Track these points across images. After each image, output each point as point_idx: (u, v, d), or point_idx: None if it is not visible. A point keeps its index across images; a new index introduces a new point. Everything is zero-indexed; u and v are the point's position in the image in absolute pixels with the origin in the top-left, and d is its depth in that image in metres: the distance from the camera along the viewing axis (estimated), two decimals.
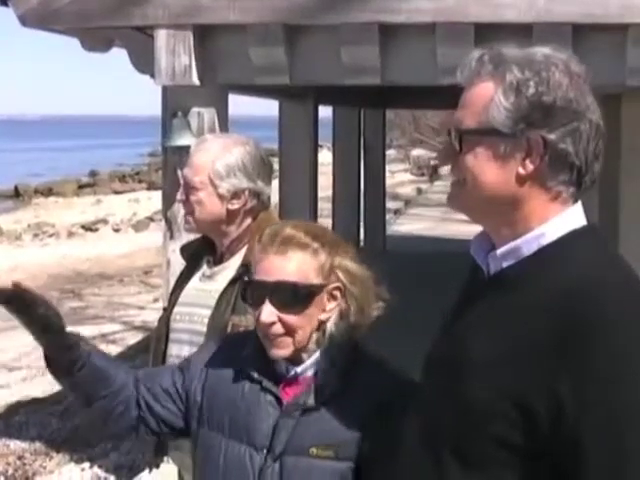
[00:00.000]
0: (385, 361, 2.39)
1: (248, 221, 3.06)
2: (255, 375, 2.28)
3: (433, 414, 1.79)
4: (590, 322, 1.60)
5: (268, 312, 2.20)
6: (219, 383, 2.34)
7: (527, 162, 1.72)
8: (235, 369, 2.33)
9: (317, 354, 2.27)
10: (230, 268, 3.03)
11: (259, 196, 3.07)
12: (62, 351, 2.30)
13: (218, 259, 3.11)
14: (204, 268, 3.15)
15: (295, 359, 2.27)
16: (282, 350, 2.23)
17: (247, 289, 2.29)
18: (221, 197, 3.02)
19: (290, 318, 2.21)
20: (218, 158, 3.01)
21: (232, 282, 2.96)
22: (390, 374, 2.35)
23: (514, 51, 1.77)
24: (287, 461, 2.21)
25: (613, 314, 1.62)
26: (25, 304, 2.22)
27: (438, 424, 1.77)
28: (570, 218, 1.76)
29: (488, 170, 1.76)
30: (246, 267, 2.82)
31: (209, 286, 3.06)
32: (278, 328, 2.21)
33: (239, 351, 2.36)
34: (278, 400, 2.25)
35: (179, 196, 3.09)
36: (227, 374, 2.34)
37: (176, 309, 3.15)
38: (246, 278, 2.33)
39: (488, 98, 1.74)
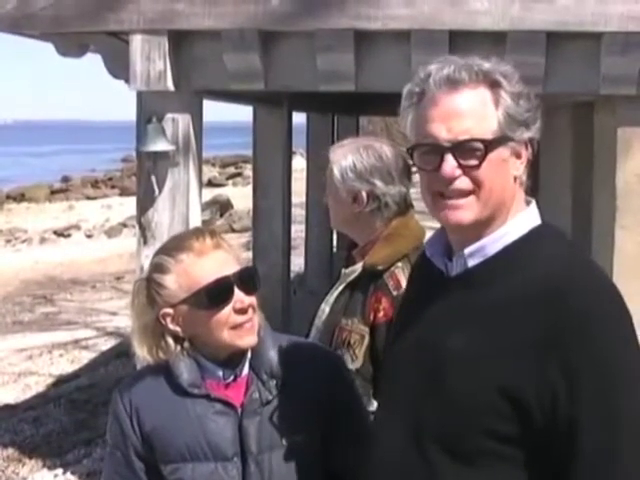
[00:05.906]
0: (297, 338, 2.50)
1: (379, 224, 3.06)
2: (196, 391, 2.26)
3: (416, 414, 1.82)
4: (585, 312, 1.69)
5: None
6: (156, 417, 2.30)
7: (519, 163, 1.84)
8: (165, 396, 2.30)
9: (248, 353, 2.29)
10: (357, 271, 3.07)
11: (380, 198, 3.04)
12: None
13: (351, 262, 3.15)
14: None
15: (232, 361, 2.27)
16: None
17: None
18: (343, 201, 3.06)
19: None
20: (335, 162, 3.07)
21: (349, 285, 3.05)
22: (313, 345, 2.60)
23: (488, 62, 1.87)
24: (266, 458, 2.22)
25: (606, 302, 1.73)
26: None
27: (423, 424, 1.80)
28: (529, 217, 1.86)
29: (497, 176, 1.83)
30: (365, 271, 2.98)
31: (340, 286, 3.12)
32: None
33: (156, 381, 2.33)
34: (228, 406, 2.25)
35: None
36: (159, 405, 2.30)
37: (321, 306, 3.20)
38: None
39: (490, 107, 1.81)
